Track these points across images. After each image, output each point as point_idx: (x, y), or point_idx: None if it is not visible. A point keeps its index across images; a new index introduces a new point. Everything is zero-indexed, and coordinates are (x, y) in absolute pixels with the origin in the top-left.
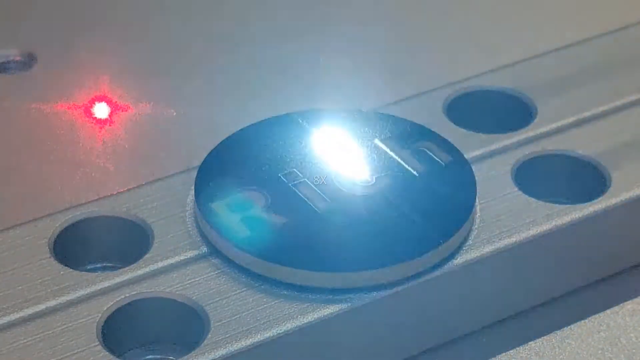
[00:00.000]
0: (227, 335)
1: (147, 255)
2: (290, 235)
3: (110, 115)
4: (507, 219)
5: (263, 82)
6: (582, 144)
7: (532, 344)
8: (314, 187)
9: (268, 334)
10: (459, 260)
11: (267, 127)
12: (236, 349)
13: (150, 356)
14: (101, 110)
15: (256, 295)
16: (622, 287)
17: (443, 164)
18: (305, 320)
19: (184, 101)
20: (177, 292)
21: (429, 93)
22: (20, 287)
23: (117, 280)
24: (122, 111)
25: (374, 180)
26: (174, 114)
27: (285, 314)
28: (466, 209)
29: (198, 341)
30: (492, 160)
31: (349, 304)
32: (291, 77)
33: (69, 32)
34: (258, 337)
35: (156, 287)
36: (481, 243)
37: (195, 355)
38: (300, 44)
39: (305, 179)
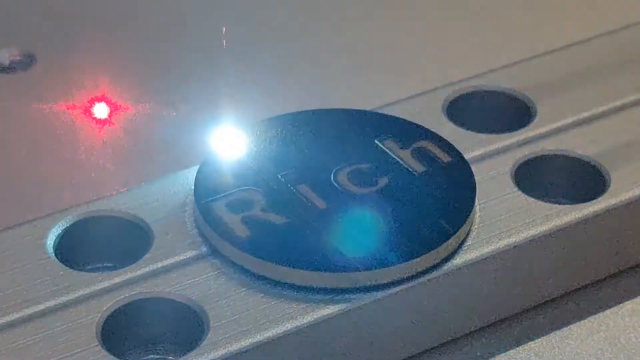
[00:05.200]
0: (226, 336)
1: (146, 255)
2: (289, 235)
3: (110, 115)
4: (507, 219)
5: (263, 82)
6: (582, 144)
7: (532, 344)
8: (313, 187)
9: (268, 334)
10: (459, 260)
11: (267, 127)
12: (236, 349)
13: (150, 356)
14: (101, 110)
15: (256, 295)
16: (622, 287)
17: (443, 164)
18: (305, 320)
19: (184, 101)
20: (177, 292)
21: (429, 93)
22: (20, 287)
23: (117, 280)
24: (122, 111)
25: (374, 180)
26: (174, 114)
27: (285, 314)
28: (466, 209)
29: (198, 341)
30: (492, 160)
31: (349, 304)
32: (291, 77)
33: (69, 32)
34: (258, 337)
35: (156, 287)
36: (481, 243)
37: (195, 355)
38: (300, 44)
39: (305, 179)
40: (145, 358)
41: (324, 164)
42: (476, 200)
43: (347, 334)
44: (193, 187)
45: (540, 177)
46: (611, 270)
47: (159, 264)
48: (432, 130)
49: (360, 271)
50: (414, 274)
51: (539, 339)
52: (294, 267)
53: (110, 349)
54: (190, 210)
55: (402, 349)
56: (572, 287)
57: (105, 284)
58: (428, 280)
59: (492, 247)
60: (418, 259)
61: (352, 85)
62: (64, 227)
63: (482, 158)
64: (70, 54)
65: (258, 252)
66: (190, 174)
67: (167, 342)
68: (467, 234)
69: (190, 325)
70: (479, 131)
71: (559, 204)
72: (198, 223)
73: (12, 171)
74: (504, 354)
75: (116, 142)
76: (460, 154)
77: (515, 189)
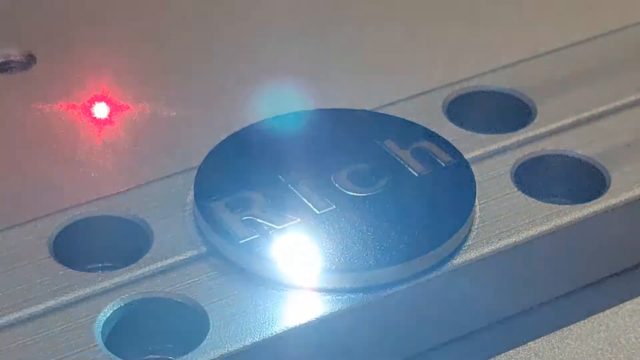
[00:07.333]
0: (226, 335)
1: (147, 255)
2: (289, 235)
3: (110, 115)
4: (506, 219)
5: (263, 82)
6: (582, 144)
7: (532, 344)
8: (313, 187)
9: (268, 334)
10: (459, 260)
11: (267, 127)
12: (236, 349)
13: (150, 356)
14: (101, 110)
15: (256, 295)
16: (622, 287)
17: (443, 164)
18: (306, 320)
19: (184, 101)
20: (177, 292)
21: (429, 93)
22: (20, 287)
23: (117, 280)
24: (122, 111)
25: (374, 181)
26: (174, 114)
27: (285, 314)
28: (466, 209)
29: (198, 341)
30: (492, 160)
31: (349, 304)
32: (291, 77)
33: (69, 32)
34: (258, 337)
35: (156, 287)
36: (481, 243)
37: (195, 355)
38: (300, 44)
39: (305, 179)
40: (145, 358)
41: (324, 164)
42: (476, 200)
43: (347, 333)
44: (193, 187)
45: (540, 177)
46: (611, 270)
47: (159, 264)
48: (432, 130)
49: (360, 271)
50: (414, 274)
51: (539, 339)
52: (293, 268)
53: (110, 349)
54: (190, 210)
55: (402, 349)
56: (571, 287)
57: (105, 284)
58: (428, 280)
59: (492, 247)
60: (418, 259)
61: (352, 85)
62: (64, 227)
63: (482, 158)
64: (70, 54)
65: (258, 252)
66: (190, 174)
67: (167, 342)
68: (467, 234)
69: (190, 325)
70: (479, 131)
71: (559, 204)
72: (198, 223)
73: (12, 171)
74: (504, 354)
75: (116, 142)
76: (460, 154)
77: (515, 189)
